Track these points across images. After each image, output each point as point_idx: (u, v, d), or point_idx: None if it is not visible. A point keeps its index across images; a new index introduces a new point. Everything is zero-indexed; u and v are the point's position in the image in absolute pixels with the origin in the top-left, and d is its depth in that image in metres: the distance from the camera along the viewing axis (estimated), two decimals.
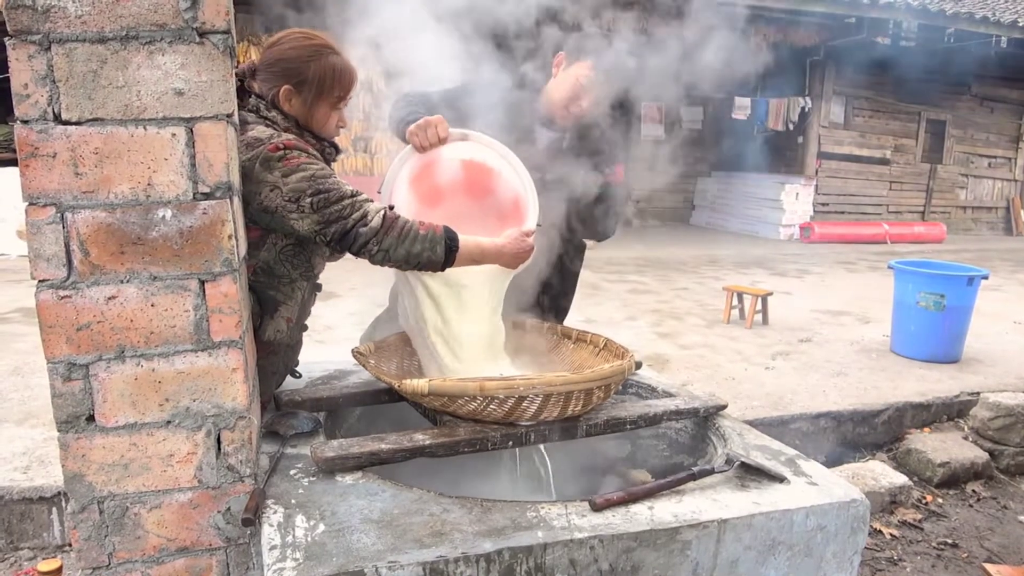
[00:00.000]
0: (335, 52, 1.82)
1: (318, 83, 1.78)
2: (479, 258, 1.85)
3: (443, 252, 1.73)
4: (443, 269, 1.78)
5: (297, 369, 2.03)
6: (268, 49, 1.83)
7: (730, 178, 13.67)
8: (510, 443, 1.62)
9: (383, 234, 1.68)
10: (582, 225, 2.38)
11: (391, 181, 1.99)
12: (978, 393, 4.25)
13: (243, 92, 1.79)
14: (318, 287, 1.96)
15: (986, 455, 3.76)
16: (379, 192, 2.00)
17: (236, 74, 1.74)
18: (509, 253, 1.89)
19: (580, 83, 2.23)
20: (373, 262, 1.74)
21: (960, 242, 12.94)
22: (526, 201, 2.01)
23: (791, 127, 12.57)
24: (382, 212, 1.70)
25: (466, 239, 1.80)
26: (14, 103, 1.21)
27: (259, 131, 1.70)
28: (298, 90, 1.78)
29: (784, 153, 13.36)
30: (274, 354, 1.82)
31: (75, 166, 1.24)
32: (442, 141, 2.00)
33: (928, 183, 14.03)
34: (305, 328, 1.97)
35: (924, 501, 3.46)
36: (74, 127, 1.23)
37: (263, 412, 1.79)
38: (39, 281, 1.26)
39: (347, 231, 1.66)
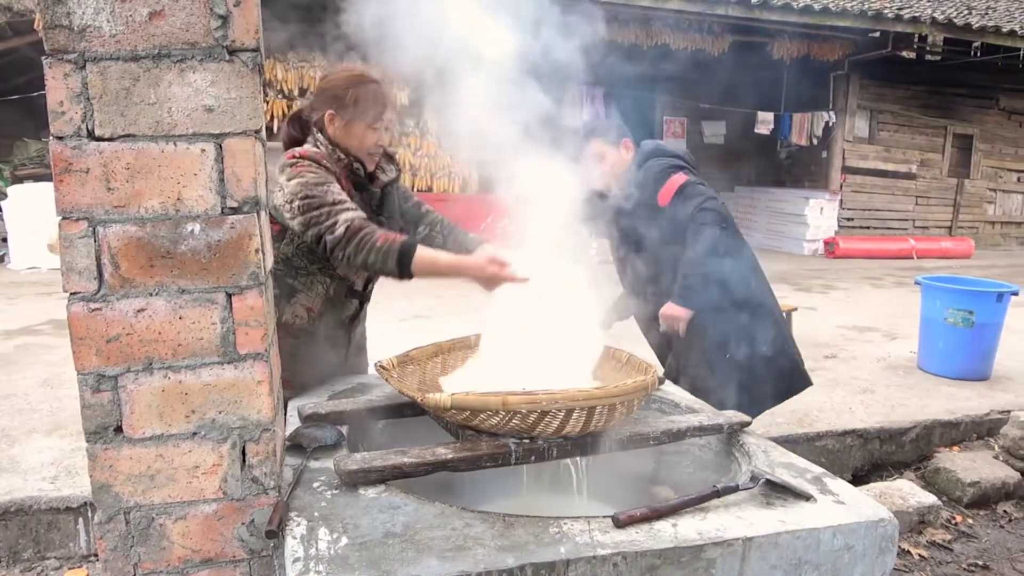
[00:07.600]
0: (373, 81, 2.04)
1: (353, 105, 2.01)
2: (436, 271, 1.90)
3: (395, 264, 1.83)
4: (404, 279, 1.87)
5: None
6: (319, 83, 2.15)
7: (753, 193, 13.58)
8: (532, 458, 1.61)
9: (346, 243, 1.84)
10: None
11: None
12: (1009, 411, 4.16)
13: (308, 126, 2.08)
14: (356, 293, 2.15)
15: (1018, 475, 3.67)
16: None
17: (301, 114, 2.16)
18: (472, 267, 1.86)
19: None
20: (341, 267, 1.95)
21: (989, 257, 12.73)
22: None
23: (815, 141, 12.48)
24: (348, 223, 1.85)
25: (424, 252, 1.87)
26: (50, 120, 1.23)
27: (305, 147, 2.00)
28: (339, 113, 2.02)
29: (808, 168, 13.26)
30: (294, 337, 2.01)
31: (107, 181, 1.26)
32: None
33: (955, 198, 13.84)
34: (348, 329, 2.21)
35: (954, 521, 3.39)
36: (107, 143, 1.25)
37: (290, 393, 1.95)
38: (71, 294, 1.29)
39: (320, 236, 1.87)
